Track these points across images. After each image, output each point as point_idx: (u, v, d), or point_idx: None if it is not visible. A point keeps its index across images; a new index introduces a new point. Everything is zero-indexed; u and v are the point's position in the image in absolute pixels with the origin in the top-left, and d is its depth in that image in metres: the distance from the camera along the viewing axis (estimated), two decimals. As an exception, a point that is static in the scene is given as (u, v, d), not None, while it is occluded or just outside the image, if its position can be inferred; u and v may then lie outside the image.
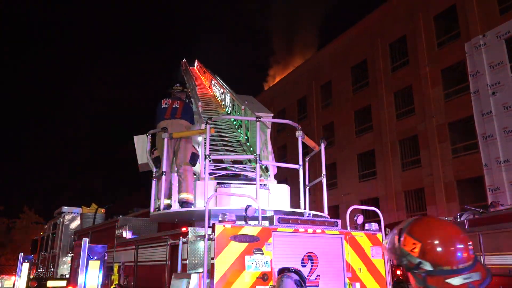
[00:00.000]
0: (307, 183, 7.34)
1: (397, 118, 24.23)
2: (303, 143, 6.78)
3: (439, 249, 1.52)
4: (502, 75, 18.31)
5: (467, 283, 1.49)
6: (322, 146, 6.92)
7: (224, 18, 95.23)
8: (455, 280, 1.49)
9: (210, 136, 8.47)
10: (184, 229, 5.36)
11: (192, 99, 10.52)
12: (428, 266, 1.53)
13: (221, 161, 7.44)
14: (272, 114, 9.78)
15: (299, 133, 6.59)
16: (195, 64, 17.74)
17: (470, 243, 1.56)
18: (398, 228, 1.65)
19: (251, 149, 8.23)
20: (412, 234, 1.59)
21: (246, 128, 9.00)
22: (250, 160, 7.68)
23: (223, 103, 11.85)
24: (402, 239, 1.60)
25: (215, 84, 13.38)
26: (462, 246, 1.54)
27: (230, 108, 10.95)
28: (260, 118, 6.72)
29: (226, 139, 8.76)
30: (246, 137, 8.83)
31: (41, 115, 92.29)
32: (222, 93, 12.07)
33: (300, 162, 6.57)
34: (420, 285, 1.56)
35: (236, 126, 9.74)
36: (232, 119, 10.31)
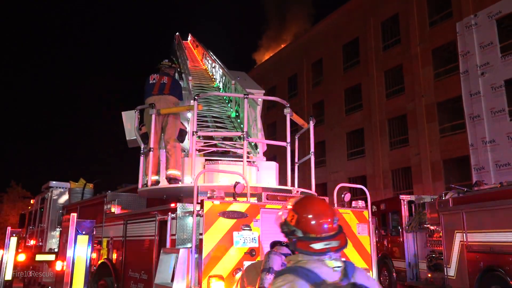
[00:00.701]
0: (296, 160, 7.38)
1: (386, 97, 24.30)
2: (292, 120, 6.78)
3: (308, 220, 1.90)
4: (492, 55, 18.38)
5: (326, 248, 1.85)
6: (311, 124, 6.92)
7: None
8: (317, 245, 1.85)
9: (201, 112, 8.46)
10: (173, 205, 5.38)
11: (183, 75, 10.41)
12: (299, 233, 1.90)
13: (210, 138, 7.42)
14: (264, 91, 9.72)
15: (287, 111, 6.58)
16: (189, 38, 17.52)
17: (336, 217, 1.94)
18: (288, 203, 2.05)
19: (241, 125, 8.22)
20: (293, 208, 1.98)
21: (237, 104, 8.96)
22: (240, 137, 7.67)
23: (214, 77, 11.76)
24: (287, 211, 2.00)
25: (207, 58, 13.26)
26: (327, 219, 1.90)
27: (221, 83, 10.86)
28: (247, 95, 6.67)
29: (217, 115, 8.70)
30: (236, 113, 8.79)
31: (30, 90, 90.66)
32: (214, 67, 11.97)
33: (288, 140, 6.58)
34: (291, 247, 1.94)
35: (227, 101, 9.67)
36: (225, 98, 10.23)
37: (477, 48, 18.87)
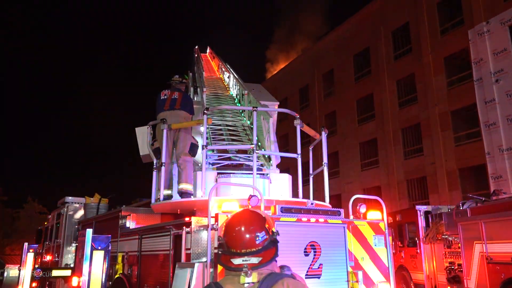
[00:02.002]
0: (311, 171, 7.34)
1: (399, 106, 24.13)
2: (306, 132, 6.76)
3: (230, 235, 1.93)
4: (505, 62, 18.16)
5: (243, 263, 1.85)
6: (323, 134, 6.89)
7: (229, 11, 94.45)
8: (236, 261, 1.87)
9: (216, 124, 8.52)
10: (187, 219, 5.38)
11: (198, 89, 10.54)
12: (224, 247, 1.94)
13: (225, 151, 7.45)
14: (278, 103, 9.78)
15: (297, 122, 6.58)
16: (207, 51, 18.34)
17: (262, 234, 1.91)
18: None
19: (256, 137, 8.23)
20: (225, 222, 2.04)
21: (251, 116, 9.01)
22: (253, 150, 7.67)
23: (229, 87, 12.13)
24: (224, 224, 2.06)
25: (222, 69, 13.75)
26: (248, 236, 1.90)
27: (235, 93, 11.09)
28: (256, 107, 6.71)
29: (232, 127, 8.74)
30: (251, 125, 8.83)
31: (46, 107, 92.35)
32: (228, 77, 12.39)
33: (299, 151, 6.56)
34: (217, 261, 2.06)
35: (241, 112, 9.73)
36: (238, 105, 10.35)
37: (490, 55, 18.67)
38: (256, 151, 6.15)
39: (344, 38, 28.97)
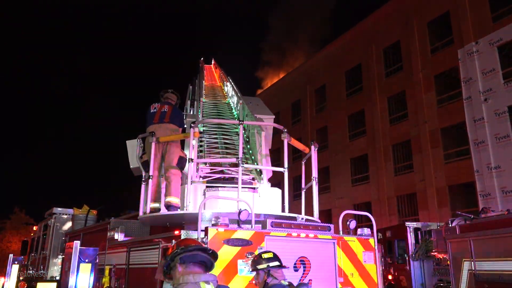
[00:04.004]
0: (303, 186, 7.35)
1: (390, 123, 24.36)
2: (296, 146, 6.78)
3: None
4: (494, 82, 18.49)
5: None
6: (313, 149, 6.92)
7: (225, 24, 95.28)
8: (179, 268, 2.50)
9: (212, 137, 8.54)
10: (176, 232, 5.34)
11: (195, 102, 10.61)
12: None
13: (219, 164, 7.45)
14: (273, 116, 9.84)
15: (284, 136, 6.60)
16: (212, 62, 19.20)
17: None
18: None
19: (251, 151, 8.24)
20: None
21: (246, 129, 9.05)
22: (247, 163, 7.69)
23: (228, 95, 12.72)
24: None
25: (223, 78, 14.48)
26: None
27: (234, 100, 11.46)
28: (242, 121, 6.75)
29: (228, 140, 8.75)
30: (247, 139, 8.85)
31: (34, 116, 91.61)
32: (227, 86, 13.10)
33: (285, 165, 6.55)
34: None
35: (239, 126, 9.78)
36: (235, 115, 10.42)
37: (479, 74, 19.01)
38: (242, 165, 6.15)
39: (337, 54, 29.34)
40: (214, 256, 2.61)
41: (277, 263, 3.89)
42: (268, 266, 3.87)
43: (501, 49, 18.58)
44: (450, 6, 21.20)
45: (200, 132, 8.94)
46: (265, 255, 3.98)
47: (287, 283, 3.86)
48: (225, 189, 6.48)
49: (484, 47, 19.03)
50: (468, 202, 19.23)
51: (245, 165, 6.65)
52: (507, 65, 18.43)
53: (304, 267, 5.27)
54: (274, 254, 3.99)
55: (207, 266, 2.56)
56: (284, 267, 3.95)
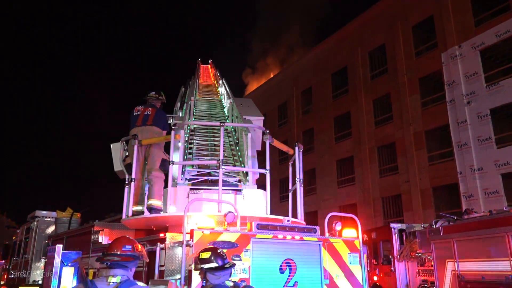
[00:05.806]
0: (290, 187, 7.35)
1: (375, 125, 24.59)
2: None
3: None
4: (477, 85, 18.83)
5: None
6: (297, 150, 6.92)
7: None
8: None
9: (202, 138, 8.51)
10: (162, 235, 5.29)
11: (184, 104, 10.57)
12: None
13: (206, 166, 7.42)
14: (262, 117, 9.83)
15: (266, 137, 6.60)
16: (209, 62, 19.46)
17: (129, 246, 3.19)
18: None
19: (239, 153, 8.22)
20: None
21: (235, 130, 9.03)
22: (235, 165, 7.67)
23: (220, 94, 13.18)
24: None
25: (217, 79, 15.05)
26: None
27: (225, 99, 11.73)
28: (223, 123, 6.75)
29: (218, 142, 8.71)
30: (236, 141, 8.83)
31: (17, 118, 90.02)
32: (220, 85, 13.62)
33: (267, 167, 6.55)
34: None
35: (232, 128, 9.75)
36: (226, 115, 10.42)
37: (462, 77, 19.34)
38: (223, 166, 6.14)
39: (323, 57, 29.52)
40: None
41: (214, 264, 3.32)
42: (202, 268, 3.35)
43: (483, 53, 18.93)
44: (434, 11, 21.52)
45: (192, 131, 8.91)
46: (202, 255, 3.40)
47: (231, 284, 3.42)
48: (207, 191, 6.45)
49: (467, 50, 19.37)
50: (452, 203, 19.51)
51: (226, 167, 6.63)
52: (489, 69, 18.79)
53: (290, 269, 5.27)
54: (214, 253, 3.39)
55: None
56: (224, 268, 3.34)
